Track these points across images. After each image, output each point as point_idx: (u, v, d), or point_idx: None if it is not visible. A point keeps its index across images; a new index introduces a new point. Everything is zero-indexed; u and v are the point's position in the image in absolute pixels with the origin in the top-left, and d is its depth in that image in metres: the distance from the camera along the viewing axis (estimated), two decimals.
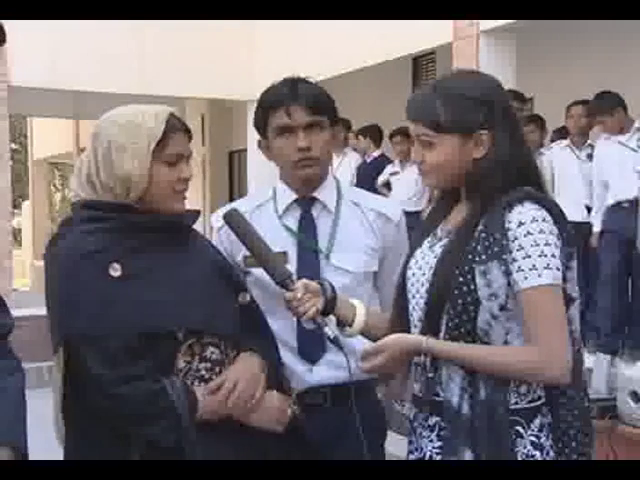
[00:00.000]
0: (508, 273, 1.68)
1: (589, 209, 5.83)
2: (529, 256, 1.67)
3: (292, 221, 2.21)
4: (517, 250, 1.68)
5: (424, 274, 1.80)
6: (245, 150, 10.44)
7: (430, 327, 1.75)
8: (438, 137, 1.75)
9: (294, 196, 2.22)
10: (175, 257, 1.88)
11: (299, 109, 2.12)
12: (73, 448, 1.84)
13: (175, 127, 1.86)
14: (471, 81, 1.79)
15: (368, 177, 7.73)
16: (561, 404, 1.74)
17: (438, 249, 1.80)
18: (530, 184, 1.75)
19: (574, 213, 5.50)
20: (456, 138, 1.75)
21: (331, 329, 1.86)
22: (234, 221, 1.93)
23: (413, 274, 1.84)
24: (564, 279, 1.72)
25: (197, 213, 1.98)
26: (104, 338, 1.74)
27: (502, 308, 1.69)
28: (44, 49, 8.60)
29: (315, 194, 2.22)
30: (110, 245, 1.80)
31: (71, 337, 1.77)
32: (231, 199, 13.17)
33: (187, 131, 1.90)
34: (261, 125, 2.20)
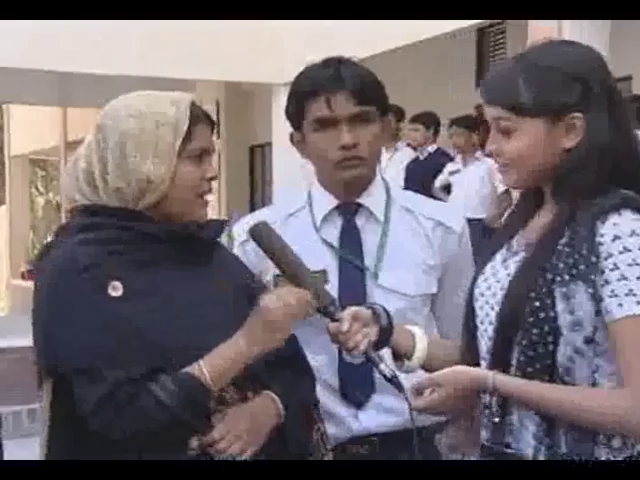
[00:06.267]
0: (597, 298, 1.69)
1: None
2: (625, 278, 1.67)
3: (332, 233, 2.25)
4: (610, 270, 1.68)
5: (494, 295, 1.82)
6: (269, 144, 10.52)
7: (499, 360, 1.76)
8: (520, 122, 1.76)
9: (334, 202, 2.25)
10: (191, 275, 1.91)
11: (343, 98, 2.15)
12: None
13: (199, 117, 1.91)
14: (562, 53, 1.79)
15: (421, 177, 7.73)
16: None
17: (512, 265, 1.81)
18: (631, 183, 1.75)
19: None
20: (542, 123, 1.75)
21: (387, 365, 1.88)
22: (261, 235, 1.95)
23: (482, 295, 1.86)
24: None
25: (222, 223, 2.02)
26: (99, 371, 1.78)
27: (589, 341, 1.70)
28: (24, 23, 8.70)
29: (360, 200, 2.25)
30: (110, 258, 1.84)
31: (59, 369, 1.82)
32: (252, 204, 13.26)
33: (210, 122, 1.95)
34: (295, 116, 2.23)
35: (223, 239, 2.06)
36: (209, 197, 1.96)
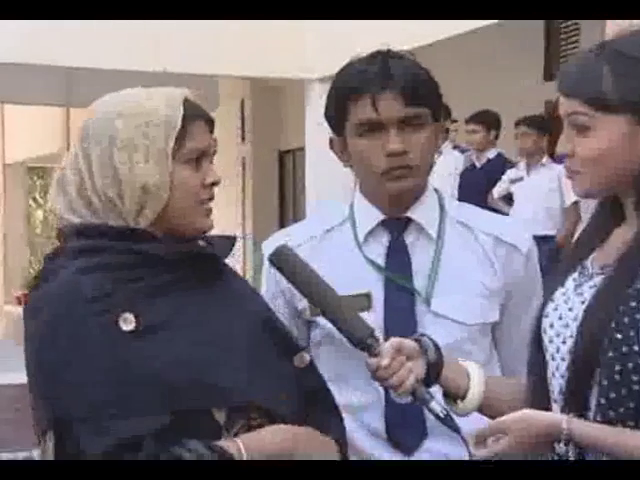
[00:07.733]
0: None
1: None
2: None
3: (377, 251, 2.25)
4: None
5: (567, 326, 1.81)
6: (302, 149, 10.56)
7: (574, 403, 1.76)
8: (599, 118, 1.75)
9: (380, 216, 2.26)
10: (206, 301, 1.92)
11: (391, 98, 2.16)
12: None
13: (194, 114, 1.91)
14: None
15: (478, 187, 7.72)
16: None
17: (587, 291, 1.81)
18: None
19: None
20: (625, 120, 1.75)
21: (439, 403, 1.88)
22: (283, 261, 1.96)
23: (551, 326, 1.85)
24: None
25: (232, 240, 2.02)
26: (110, 420, 1.78)
27: None
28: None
29: (409, 214, 2.26)
30: (118, 287, 1.84)
31: (64, 418, 1.82)
32: (281, 217, 13.30)
33: (208, 119, 1.94)
34: (336, 118, 2.24)
35: (253, 257, 2.07)
36: (211, 205, 1.95)
